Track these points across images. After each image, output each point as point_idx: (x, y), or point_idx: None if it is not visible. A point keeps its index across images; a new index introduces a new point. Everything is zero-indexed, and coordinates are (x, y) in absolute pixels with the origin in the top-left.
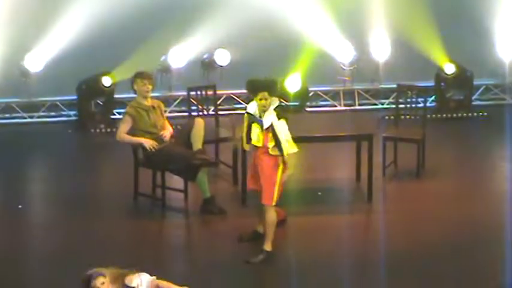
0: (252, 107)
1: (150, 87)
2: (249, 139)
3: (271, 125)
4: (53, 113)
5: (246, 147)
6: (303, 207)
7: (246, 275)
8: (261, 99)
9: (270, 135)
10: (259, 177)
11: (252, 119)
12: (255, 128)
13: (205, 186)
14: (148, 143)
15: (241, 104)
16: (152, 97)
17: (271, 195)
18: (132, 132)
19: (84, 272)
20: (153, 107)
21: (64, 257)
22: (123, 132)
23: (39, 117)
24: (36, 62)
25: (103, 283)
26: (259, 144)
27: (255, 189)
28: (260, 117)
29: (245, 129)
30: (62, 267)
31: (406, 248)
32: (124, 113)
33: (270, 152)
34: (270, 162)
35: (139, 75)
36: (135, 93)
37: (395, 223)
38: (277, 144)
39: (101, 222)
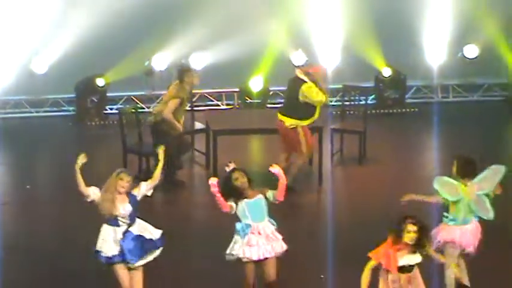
0: None
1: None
2: None
3: None
4: (55, 108)
5: None
6: (268, 187)
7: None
8: None
9: None
10: None
11: None
12: None
13: None
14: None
15: (213, 101)
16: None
17: None
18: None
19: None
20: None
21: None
22: (171, 112)
23: (44, 112)
24: (41, 65)
25: (128, 181)
26: None
27: None
28: None
29: None
30: (64, 238)
31: (350, 221)
32: (175, 96)
33: None
34: None
35: (190, 70)
36: (181, 83)
37: (341, 200)
38: None
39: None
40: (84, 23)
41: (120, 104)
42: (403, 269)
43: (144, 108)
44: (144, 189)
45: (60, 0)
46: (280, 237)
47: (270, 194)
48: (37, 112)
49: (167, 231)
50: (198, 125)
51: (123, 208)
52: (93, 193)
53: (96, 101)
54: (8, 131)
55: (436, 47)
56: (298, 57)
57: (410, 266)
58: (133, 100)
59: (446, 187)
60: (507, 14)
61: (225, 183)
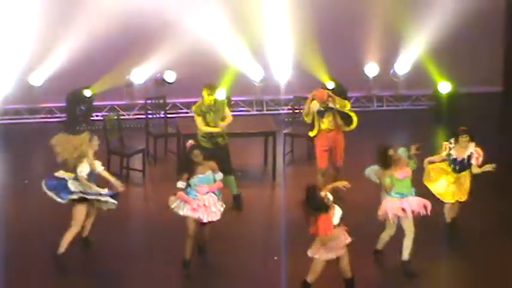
0: None
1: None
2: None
3: None
4: (49, 116)
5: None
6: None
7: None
8: None
9: None
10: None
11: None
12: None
13: (233, 184)
14: None
15: (183, 109)
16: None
17: None
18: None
19: None
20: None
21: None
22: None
23: (40, 118)
24: (37, 78)
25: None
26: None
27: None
28: None
29: None
30: (54, 224)
31: (299, 210)
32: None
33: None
34: None
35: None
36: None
37: (291, 194)
38: None
39: None
40: (74, 43)
41: (105, 112)
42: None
43: (124, 116)
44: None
45: (53, 23)
46: (220, 209)
47: (218, 175)
48: (34, 119)
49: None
50: (171, 130)
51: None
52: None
53: (84, 109)
54: (9, 135)
55: (371, 64)
56: (255, 72)
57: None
58: (116, 108)
59: (373, 172)
60: (433, 36)
61: (185, 158)
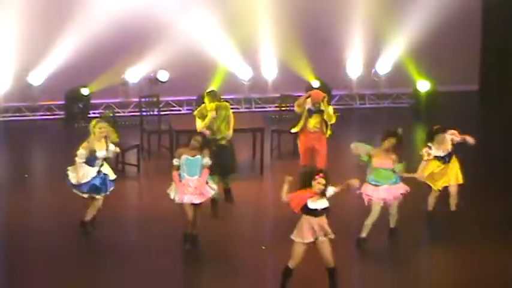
0: None
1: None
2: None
3: None
4: (48, 113)
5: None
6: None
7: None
8: None
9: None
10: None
11: None
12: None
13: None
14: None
15: (175, 107)
16: None
17: None
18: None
19: None
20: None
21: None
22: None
23: (39, 116)
24: (37, 78)
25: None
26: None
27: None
28: None
29: None
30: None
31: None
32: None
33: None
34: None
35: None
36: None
37: (278, 186)
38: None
39: None
40: (72, 44)
41: (101, 109)
42: (316, 213)
43: (119, 113)
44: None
45: (52, 25)
46: (209, 193)
47: (205, 160)
48: (34, 116)
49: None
50: (164, 126)
51: (101, 152)
52: (82, 153)
53: (81, 107)
54: (10, 131)
55: (355, 64)
56: (244, 71)
57: (322, 209)
58: (112, 106)
59: (361, 149)
60: (413, 37)
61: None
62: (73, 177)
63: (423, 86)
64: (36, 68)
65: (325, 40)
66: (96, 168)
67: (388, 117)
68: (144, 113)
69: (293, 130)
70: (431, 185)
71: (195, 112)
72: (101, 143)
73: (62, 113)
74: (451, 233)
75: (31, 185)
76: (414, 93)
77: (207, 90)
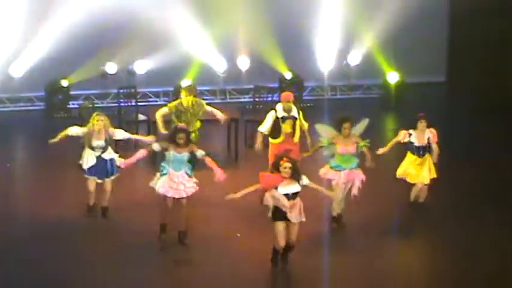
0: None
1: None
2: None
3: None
4: (29, 104)
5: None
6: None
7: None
8: None
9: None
10: None
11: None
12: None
13: None
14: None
15: (152, 98)
16: None
17: None
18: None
19: None
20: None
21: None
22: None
23: (20, 106)
24: (18, 70)
25: (101, 120)
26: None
27: None
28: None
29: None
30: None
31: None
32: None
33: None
34: None
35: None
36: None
37: (252, 174)
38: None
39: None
40: (52, 38)
41: (81, 100)
42: (287, 197)
43: (98, 104)
44: (118, 135)
45: (33, 19)
46: (190, 189)
47: (198, 153)
48: (15, 107)
49: None
50: (141, 117)
51: (99, 141)
52: (76, 131)
53: (61, 98)
54: None
55: (326, 56)
56: (219, 63)
57: (293, 194)
58: (91, 97)
59: (325, 131)
60: (383, 29)
61: (171, 136)
62: (82, 162)
63: (392, 77)
64: (17, 61)
65: (298, 33)
66: (97, 153)
67: (359, 107)
68: (122, 104)
69: (276, 141)
70: (412, 181)
71: (170, 106)
72: (99, 133)
73: (42, 104)
74: (426, 223)
75: (13, 173)
76: (384, 85)
77: (184, 85)
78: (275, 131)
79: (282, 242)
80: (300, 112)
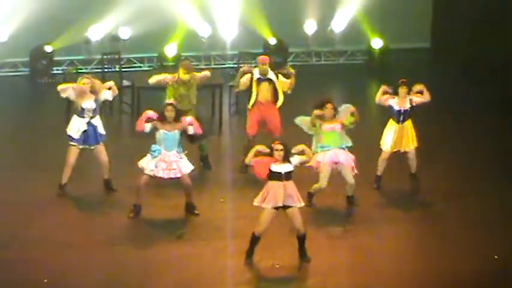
0: None
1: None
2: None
3: None
4: (13, 69)
5: None
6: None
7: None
8: None
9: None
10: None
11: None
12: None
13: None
14: None
15: (137, 63)
16: None
17: None
18: None
19: None
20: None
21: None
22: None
23: (5, 72)
24: (2, 35)
25: (87, 82)
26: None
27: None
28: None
29: None
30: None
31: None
32: None
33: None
34: None
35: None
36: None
37: (237, 141)
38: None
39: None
40: (35, 3)
41: (65, 66)
42: (280, 176)
43: (82, 69)
44: (106, 95)
45: None
46: (183, 170)
47: (191, 128)
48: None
49: None
50: (126, 83)
51: (89, 103)
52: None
53: (45, 63)
54: None
55: (310, 22)
56: (203, 29)
57: (286, 173)
58: (75, 63)
59: (306, 123)
60: None
61: (161, 113)
62: (68, 129)
63: (377, 43)
64: (0, 26)
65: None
66: (86, 119)
67: (344, 73)
68: (106, 70)
69: (249, 106)
70: (384, 148)
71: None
72: (88, 95)
73: (26, 69)
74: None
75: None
76: (368, 51)
77: (181, 61)
78: (252, 94)
79: (261, 228)
80: (279, 75)
